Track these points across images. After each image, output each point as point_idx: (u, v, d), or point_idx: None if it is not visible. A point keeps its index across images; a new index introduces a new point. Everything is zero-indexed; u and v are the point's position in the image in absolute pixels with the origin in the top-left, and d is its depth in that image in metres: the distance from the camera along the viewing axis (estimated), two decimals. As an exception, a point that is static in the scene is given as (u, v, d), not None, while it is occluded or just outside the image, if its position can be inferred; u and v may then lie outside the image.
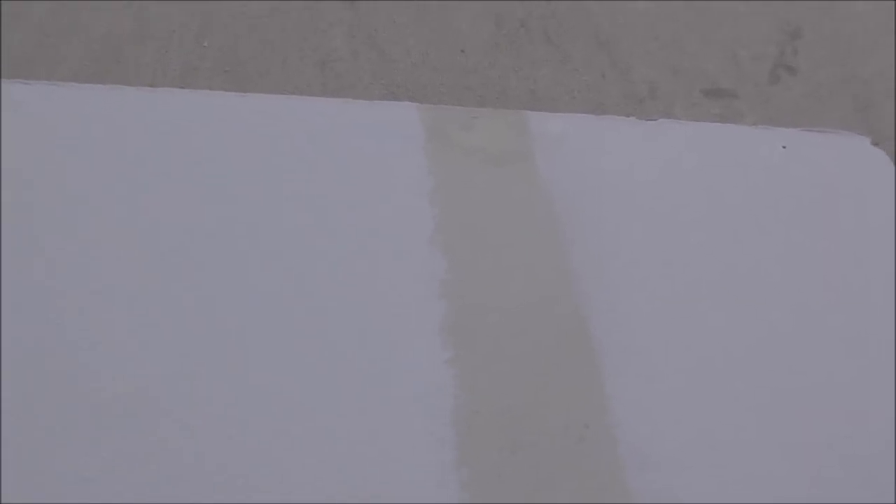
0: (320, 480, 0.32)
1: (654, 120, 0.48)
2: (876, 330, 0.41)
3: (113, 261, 0.37)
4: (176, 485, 0.32)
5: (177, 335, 0.35)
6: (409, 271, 0.39)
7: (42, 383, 0.33)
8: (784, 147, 0.48)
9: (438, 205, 0.42)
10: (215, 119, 0.45)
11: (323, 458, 0.32)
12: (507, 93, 0.50)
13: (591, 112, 0.50)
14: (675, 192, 0.45)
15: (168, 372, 0.34)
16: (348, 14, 0.53)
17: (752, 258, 0.43)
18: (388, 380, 0.35)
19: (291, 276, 0.39)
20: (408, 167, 0.43)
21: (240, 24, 0.52)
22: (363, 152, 0.44)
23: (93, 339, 0.34)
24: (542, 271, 0.40)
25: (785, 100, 0.53)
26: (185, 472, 0.32)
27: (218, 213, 0.41)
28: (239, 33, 0.51)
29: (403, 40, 0.53)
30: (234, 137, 0.44)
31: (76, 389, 0.33)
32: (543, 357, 0.37)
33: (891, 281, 0.43)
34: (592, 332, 0.38)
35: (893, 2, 0.61)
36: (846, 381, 0.39)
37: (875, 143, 0.49)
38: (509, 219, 0.42)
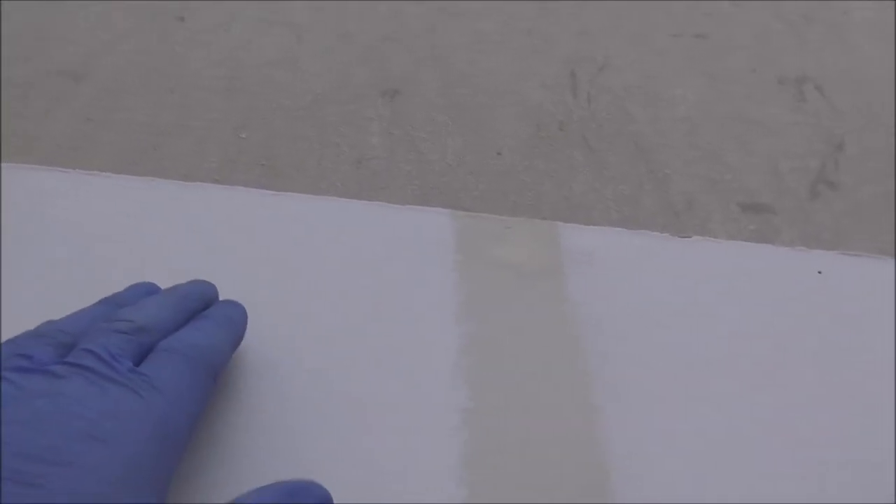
0: None
1: (689, 237, 0.48)
2: None
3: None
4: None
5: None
6: (429, 398, 0.39)
7: None
8: (820, 272, 0.47)
9: (464, 323, 0.42)
10: (244, 216, 0.45)
11: None
12: (541, 199, 0.50)
13: (626, 223, 0.49)
14: (705, 315, 0.45)
15: None
16: (387, 111, 0.54)
17: (784, 389, 0.42)
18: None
19: (303, 391, 0.39)
20: (436, 280, 0.43)
21: (278, 117, 0.52)
22: (392, 260, 0.44)
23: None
24: (566, 405, 0.40)
25: (824, 217, 0.52)
26: None
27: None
28: (277, 127, 0.52)
29: (440, 140, 0.53)
30: (261, 236, 0.44)
31: None
32: (561, 500, 0.36)
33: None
34: (613, 478, 0.37)
35: (941, 118, 0.60)
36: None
37: (914, 270, 0.48)
38: (535, 344, 0.42)
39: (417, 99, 0.54)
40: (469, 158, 0.52)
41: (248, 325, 0.36)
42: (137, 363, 0.29)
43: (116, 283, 0.40)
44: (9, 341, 0.31)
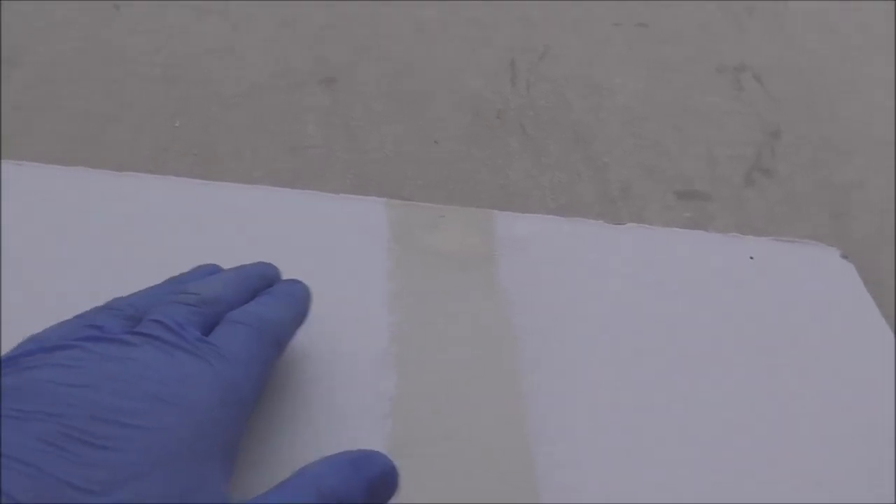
0: None
1: (623, 224, 0.48)
2: (839, 443, 0.40)
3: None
4: None
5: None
6: (358, 386, 0.39)
7: None
8: (752, 258, 0.48)
9: (396, 312, 0.42)
10: (178, 206, 0.45)
11: None
12: (478, 187, 0.50)
13: (563, 211, 0.50)
14: (638, 302, 0.45)
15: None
16: (325, 99, 0.53)
17: (717, 372, 0.43)
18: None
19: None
20: (369, 269, 0.43)
21: (214, 106, 0.52)
22: (324, 249, 0.44)
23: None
24: (494, 392, 0.40)
25: (759, 204, 0.53)
26: None
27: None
28: (212, 115, 0.51)
29: (378, 129, 0.52)
30: (194, 225, 0.44)
31: None
32: (487, 490, 0.36)
33: (854, 397, 0.43)
34: (539, 464, 0.37)
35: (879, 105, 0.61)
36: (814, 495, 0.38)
37: (844, 256, 0.49)
38: (466, 332, 0.42)
39: (356, 87, 0.54)
40: (407, 147, 0.52)
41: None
42: (205, 334, 0.29)
43: (43, 275, 0.40)
44: (78, 315, 0.31)
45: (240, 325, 0.30)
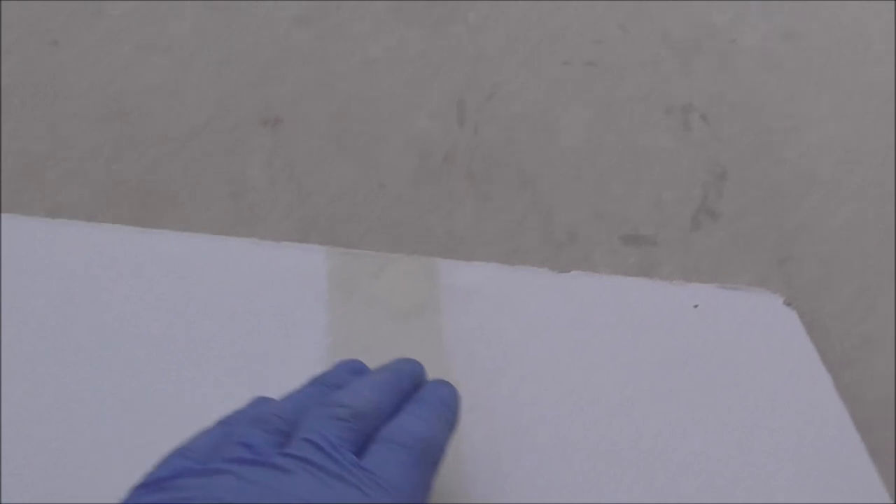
0: None
1: (567, 272, 0.48)
2: (782, 490, 0.41)
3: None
4: None
5: None
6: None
7: None
8: (696, 306, 0.48)
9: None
10: (113, 255, 0.44)
11: None
12: (423, 233, 0.49)
13: (509, 257, 0.49)
14: (581, 351, 0.45)
15: None
16: (269, 140, 0.53)
17: (658, 421, 0.43)
18: None
19: (164, 435, 0.37)
20: (307, 321, 0.43)
21: (155, 147, 0.51)
22: (262, 301, 0.43)
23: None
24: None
25: (705, 248, 0.53)
26: None
27: (98, 354, 0.39)
28: (153, 157, 0.50)
29: (323, 171, 0.52)
30: (128, 275, 0.43)
31: None
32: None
33: (793, 444, 0.43)
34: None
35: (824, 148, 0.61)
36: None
37: (788, 303, 0.49)
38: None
39: (301, 128, 0.53)
40: (352, 191, 0.51)
41: (105, 365, 0.35)
42: (358, 452, 0.29)
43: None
44: (223, 423, 0.31)
45: (397, 447, 0.29)
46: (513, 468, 0.39)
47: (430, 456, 0.30)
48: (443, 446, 0.32)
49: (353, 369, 0.35)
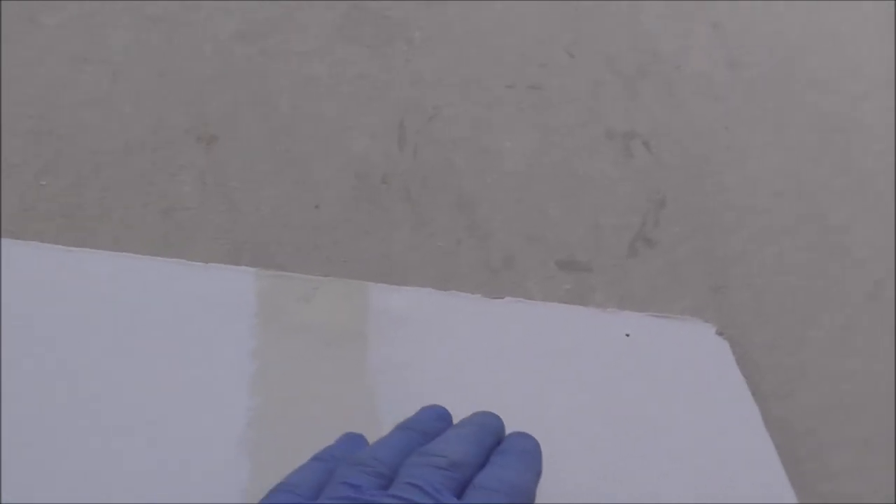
0: None
1: (501, 298, 0.48)
2: None
3: None
4: None
5: None
6: (209, 474, 0.37)
7: None
8: (628, 335, 0.48)
9: (256, 394, 0.40)
10: (36, 274, 0.43)
11: None
12: (357, 255, 0.49)
13: (443, 281, 0.49)
14: (513, 380, 0.45)
15: None
16: (202, 158, 0.52)
17: (586, 450, 0.43)
18: None
19: (75, 462, 0.37)
20: (232, 346, 0.42)
21: (85, 163, 0.50)
22: (187, 324, 0.42)
23: None
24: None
25: (640, 276, 0.53)
26: None
27: (16, 375, 0.38)
28: (83, 174, 0.49)
29: (257, 190, 0.51)
30: (53, 295, 0.42)
31: None
32: None
33: (721, 474, 0.43)
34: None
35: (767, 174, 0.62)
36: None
37: (720, 333, 0.49)
38: (329, 415, 0.41)
39: (236, 145, 0.53)
40: (285, 211, 0.51)
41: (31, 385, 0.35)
42: (457, 499, 0.30)
43: None
44: (319, 460, 0.34)
45: (493, 493, 0.31)
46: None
47: (522, 501, 0.32)
48: (533, 492, 0.34)
49: (439, 415, 0.37)
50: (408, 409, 0.42)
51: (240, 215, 0.50)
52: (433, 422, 0.36)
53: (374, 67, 0.61)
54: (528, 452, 0.36)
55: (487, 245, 0.52)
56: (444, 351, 0.45)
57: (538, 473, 0.35)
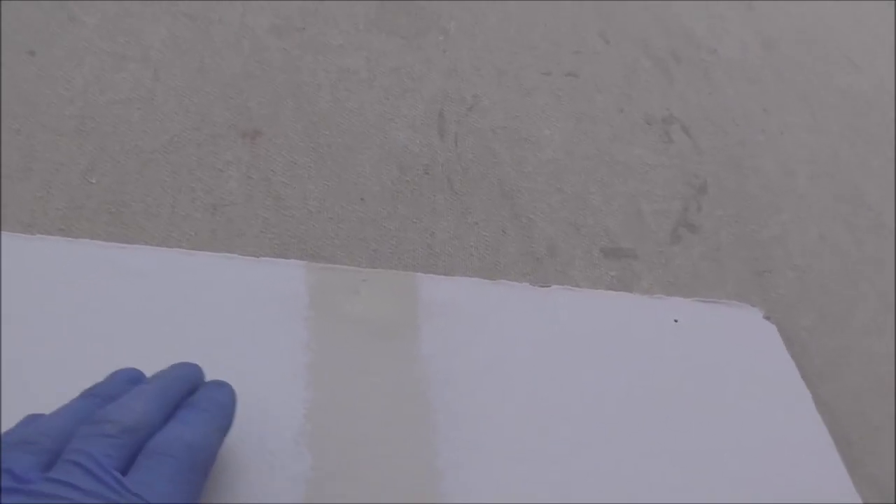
0: None
1: (547, 287, 0.48)
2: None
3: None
4: None
5: None
6: (272, 467, 0.37)
7: None
8: (676, 320, 0.48)
9: (311, 387, 0.40)
10: (87, 271, 0.43)
11: None
12: (402, 246, 0.49)
13: (488, 270, 0.49)
14: (560, 367, 0.45)
15: None
16: (246, 153, 0.52)
17: (639, 435, 0.43)
18: None
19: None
20: (286, 339, 0.42)
21: (130, 160, 0.50)
22: (241, 319, 0.42)
23: None
24: (409, 471, 0.39)
25: (684, 262, 0.53)
26: None
27: (73, 371, 0.38)
28: (129, 170, 0.49)
29: (301, 185, 0.51)
30: (104, 291, 0.42)
31: None
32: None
33: (773, 457, 0.43)
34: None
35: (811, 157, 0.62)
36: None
37: (767, 317, 0.49)
38: (382, 406, 0.41)
39: (278, 140, 0.53)
40: (330, 204, 0.51)
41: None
42: (126, 466, 0.28)
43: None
44: (85, 400, 0.31)
45: (165, 458, 0.29)
46: (492, 484, 0.39)
47: (198, 463, 0.30)
48: (213, 450, 0.32)
49: (129, 378, 0.34)
50: (459, 396, 0.42)
51: (285, 210, 0.50)
52: (121, 385, 0.33)
53: (411, 59, 0.61)
54: (218, 405, 0.33)
55: (531, 233, 0.52)
56: (493, 339, 0.46)
57: (224, 428, 0.33)
